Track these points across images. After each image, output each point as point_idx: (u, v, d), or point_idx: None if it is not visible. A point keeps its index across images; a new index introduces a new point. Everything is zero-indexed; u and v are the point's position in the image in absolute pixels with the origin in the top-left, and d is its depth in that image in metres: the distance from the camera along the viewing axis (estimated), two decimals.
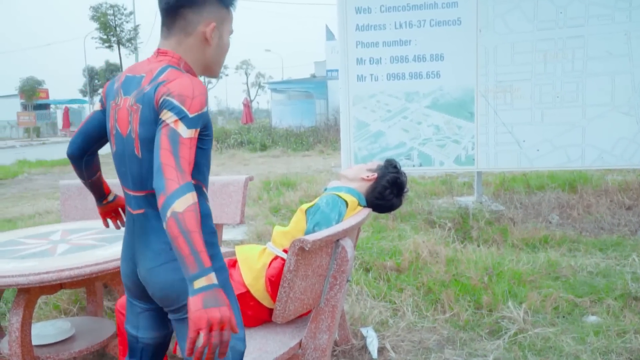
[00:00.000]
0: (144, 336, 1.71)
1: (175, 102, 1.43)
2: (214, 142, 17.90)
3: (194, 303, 1.29)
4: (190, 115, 1.42)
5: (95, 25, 20.45)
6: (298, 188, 7.50)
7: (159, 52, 1.59)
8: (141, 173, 1.54)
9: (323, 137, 18.31)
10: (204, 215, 1.57)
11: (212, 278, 1.31)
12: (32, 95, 42.03)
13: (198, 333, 1.28)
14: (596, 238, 4.77)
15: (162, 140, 1.40)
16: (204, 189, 1.60)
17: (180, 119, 1.41)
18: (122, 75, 1.64)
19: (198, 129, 1.44)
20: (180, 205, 1.31)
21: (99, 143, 1.79)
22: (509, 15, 5.16)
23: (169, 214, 1.31)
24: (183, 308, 1.54)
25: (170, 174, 1.35)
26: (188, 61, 1.58)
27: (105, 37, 20.76)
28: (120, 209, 2.03)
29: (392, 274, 3.87)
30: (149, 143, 1.49)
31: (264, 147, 17.24)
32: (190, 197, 1.33)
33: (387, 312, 3.31)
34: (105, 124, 1.71)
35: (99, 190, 1.94)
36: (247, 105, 28.26)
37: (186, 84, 1.46)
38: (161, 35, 1.60)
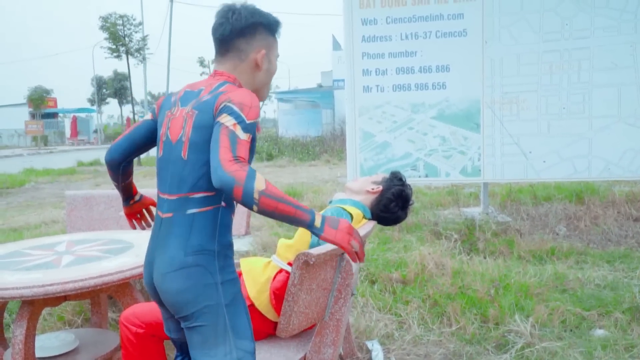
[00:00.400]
0: (176, 337, 1.80)
1: (235, 108, 1.56)
2: None
3: (328, 234, 1.50)
4: (247, 122, 1.55)
5: (104, 35, 20.57)
6: (304, 198, 7.49)
7: (216, 73, 1.75)
8: (182, 175, 1.63)
9: (329, 146, 18.33)
10: (225, 225, 1.65)
11: (319, 214, 1.51)
12: (41, 104, 42.32)
13: (350, 244, 1.52)
14: (603, 250, 4.74)
15: (222, 139, 1.51)
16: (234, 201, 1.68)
17: (238, 122, 1.54)
18: (181, 90, 1.78)
19: (251, 135, 1.56)
20: (260, 184, 1.42)
21: (141, 150, 1.90)
22: (514, 26, 5.17)
23: (256, 195, 1.41)
24: (192, 316, 1.59)
25: (232, 166, 1.43)
26: (242, 82, 1.73)
27: (114, 47, 20.86)
28: (145, 210, 2.14)
29: (397, 286, 3.84)
30: (198, 146, 1.61)
31: (270, 157, 17.27)
32: (261, 176, 1.45)
33: (392, 325, 3.29)
34: (152, 133, 1.86)
35: (128, 192, 2.06)
36: None
37: (246, 94, 1.61)
38: (215, 59, 1.78)
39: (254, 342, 1.67)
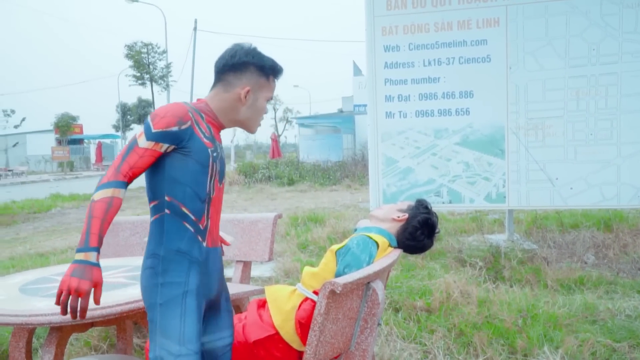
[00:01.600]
0: None
1: (148, 119, 1.75)
2: (241, 177, 18.01)
3: (68, 269, 1.59)
4: (153, 130, 1.71)
5: (130, 63, 21.04)
6: (326, 224, 7.46)
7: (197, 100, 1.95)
8: (146, 188, 1.84)
9: (350, 171, 18.30)
10: (171, 231, 1.79)
11: (90, 256, 1.60)
12: (67, 131, 43.16)
13: (61, 292, 1.58)
14: (634, 279, 4.62)
15: (125, 146, 1.74)
16: (183, 208, 1.79)
17: (144, 131, 1.73)
18: None
19: (160, 144, 1.72)
20: (98, 195, 1.63)
21: None
22: (539, 52, 5.15)
23: (90, 200, 1.64)
24: (148, 310, 1.80)
25: (109, 172, 1.68)
26: (214, 107, 1.89)
27: (138, 74, 21.32)
28: None
29: (422, 314, 3.79)
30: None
31: (291, 182, 17.30)
32: (110, 192, 1.64)
33: (417, 355, 3.23)
34: None
35: None
36: (275, 140, 28.46)
37: (165, 106, 1.78)
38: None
39: (187, 347, 1.74)
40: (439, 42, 5.36)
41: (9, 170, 34.12)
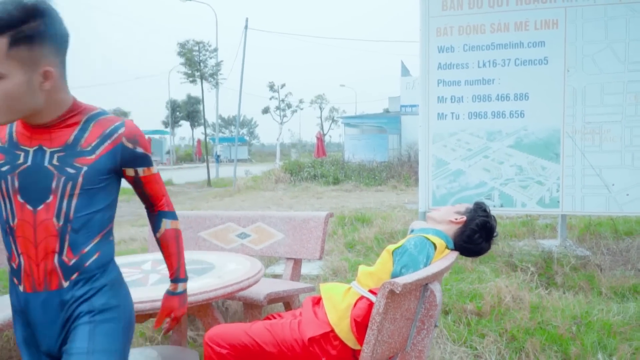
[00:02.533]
0: None
1: None
2: (287, 175, 18.12)
3: None
4: None
5: (181, 60, 21.46)
6: (373, 224, 7.46)
7: None
8: None
9: (396, 172, 18.16)
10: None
11: None
12: None
13: None
14: None
15: None
16: None
17: None
18: None
19: None
20: None
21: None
22: (598, 55, 5.01)
23: None
24: None
25: None
26: None
27: (189, 72, 21.73)
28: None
29: (472, 318, 3.75)
30: None
31: (336, 181, 17.32)
32: None
33: (468, 358, 3.21)
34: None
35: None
36: (320, 138, 28.55)
37: None
38: None
39: None
40: (495, 44, 5.28)
41: None
